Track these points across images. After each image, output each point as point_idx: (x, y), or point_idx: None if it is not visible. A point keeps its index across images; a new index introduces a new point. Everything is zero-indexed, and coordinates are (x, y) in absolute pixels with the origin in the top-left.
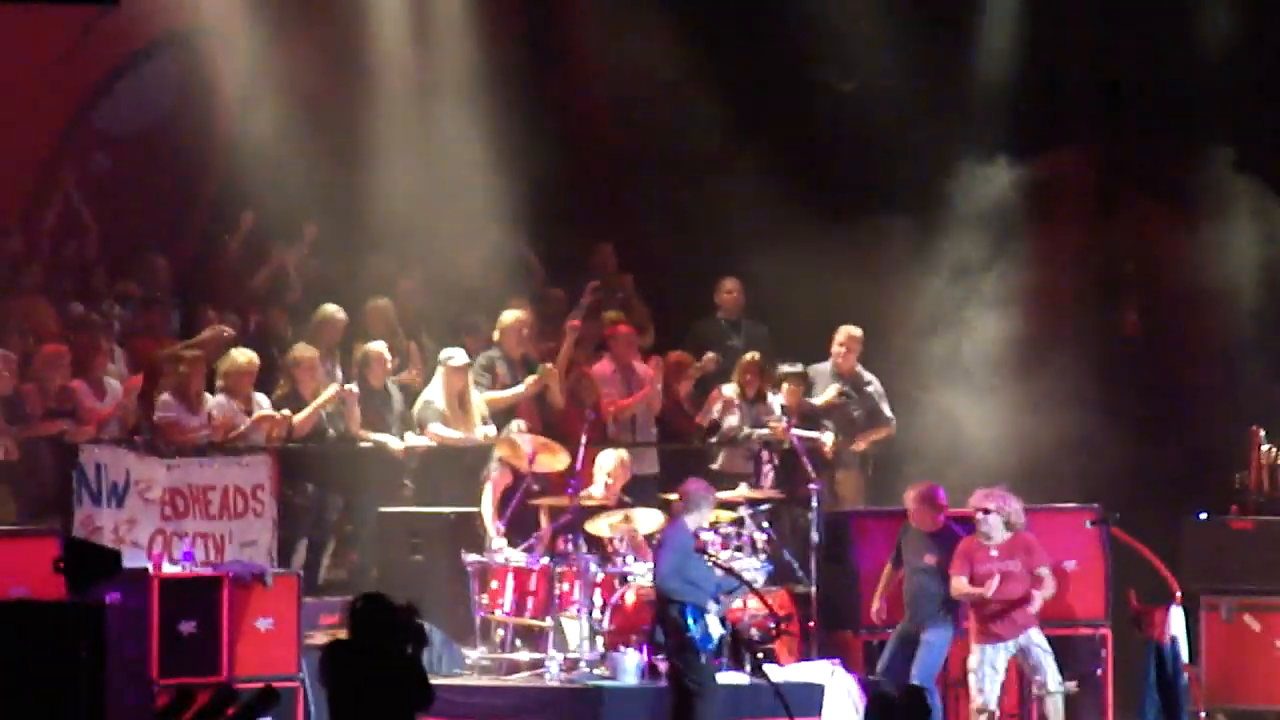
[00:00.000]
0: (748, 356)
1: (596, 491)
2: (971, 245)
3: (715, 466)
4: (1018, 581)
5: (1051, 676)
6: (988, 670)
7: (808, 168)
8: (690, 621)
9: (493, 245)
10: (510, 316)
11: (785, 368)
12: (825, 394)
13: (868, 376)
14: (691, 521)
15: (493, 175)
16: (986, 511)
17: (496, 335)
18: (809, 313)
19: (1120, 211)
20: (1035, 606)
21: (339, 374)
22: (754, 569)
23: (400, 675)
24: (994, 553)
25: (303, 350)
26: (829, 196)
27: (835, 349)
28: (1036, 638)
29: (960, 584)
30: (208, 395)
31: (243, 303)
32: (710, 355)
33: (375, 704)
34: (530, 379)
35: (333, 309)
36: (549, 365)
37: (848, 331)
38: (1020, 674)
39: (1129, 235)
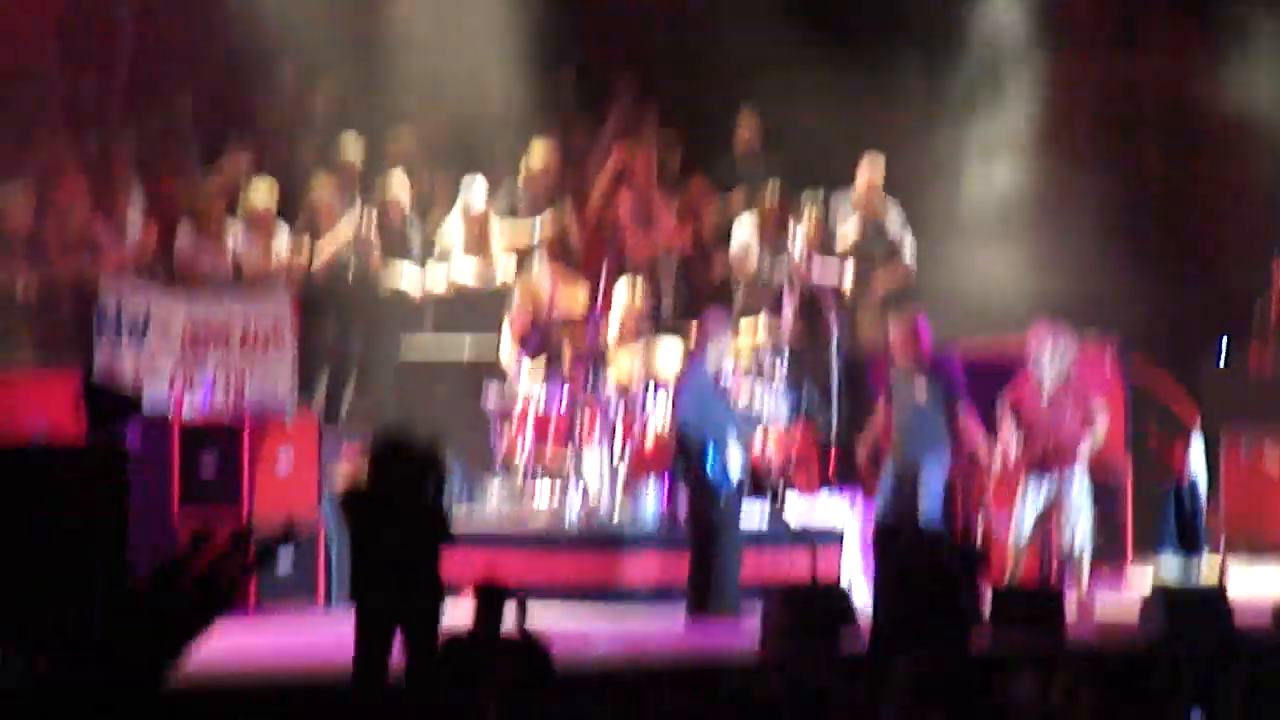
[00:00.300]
0: (767, 188)
1: (616, 328)
2: (985, 79)
3: (736, 301)
4: (1064, 420)
5: (1081, 533)
6: (1028, 503)
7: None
8: (709, 458)
9: (515, 76)
10: (537, 150)
11: (807, 196)
12: (847, 229)
13: (889, 211)
14: (711, 357)
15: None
16: (1043, 347)
17: (522, 169)
18: (828, 145)
19: (1140, 43)
20: (1088, 442)
21: (359, 205)
22: (774, 404)
23: (422, 514)
24: (1046, 388)
25: (322, 182)
26: (844, 27)
27: (857, 181)
28: (1077, 489)
29: (1003, 433)
30: (229, 226)
31: (264, 135)
32: (738, 193)
33: (397, 544)
34: (548, 216)
35: (352, 138)
36: (566, 205)
37: (869, 163)
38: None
39: (1149, 68)
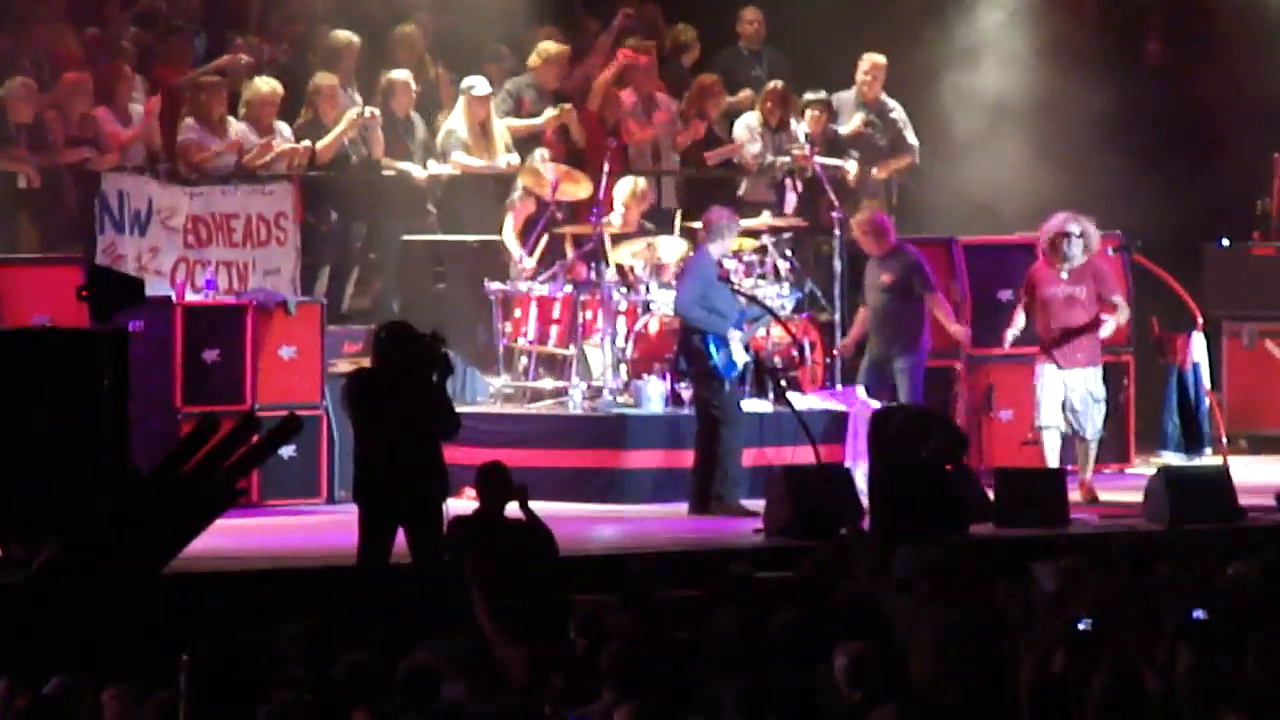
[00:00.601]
0: (770, 84)
1: (615, 220)
2: None
3: (739, 194)
4: (1083, 308)
5: (1091, 425)
6: (1044, 386)
7: None
8: (713, 349)
9: None
10: (551, 48)
11: (809, 95)
12: (851, 123)
13: (891, 104)
14: (715, 249)
15: None
16: (1068, 235)
17: (533, 62)
18: (832, 41)
19: None
20: (1107, 331)
21: (359, 100)
22: (778, 296)
23: (426, 403)
24: (1064, 276)
25: (323, 78)
26: None
27: (860, 77)
28: (1091, 381)
29: (1016, 322)
30: (231, 120)
31: (267, 30)
32: (746, 93)
33: (401, 432)
34: (550, 112)
35: (347, 34)
36: (567, 105)
37: (872, 59)
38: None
39: None
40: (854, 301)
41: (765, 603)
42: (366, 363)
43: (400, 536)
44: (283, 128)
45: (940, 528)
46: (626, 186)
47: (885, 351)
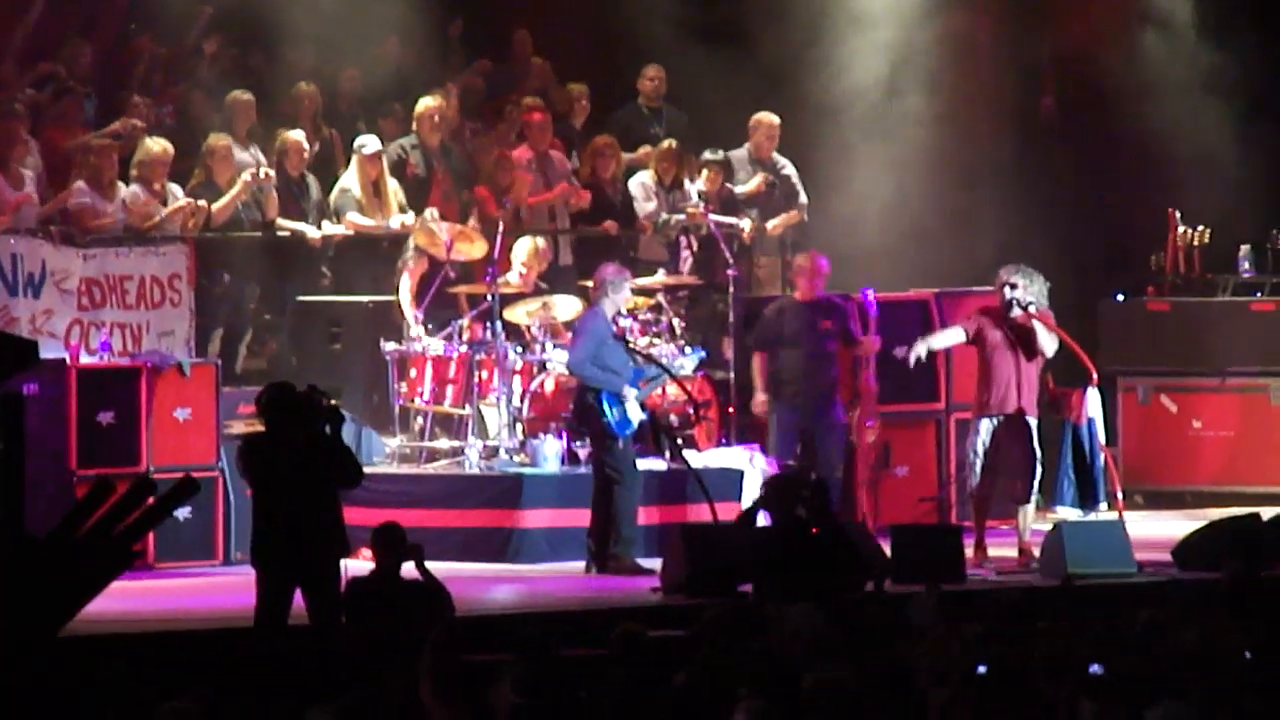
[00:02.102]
0: (664, 144)
1: (513, 279)
2: (885, 30)
3: (633, 254)
4: (1024, 364)
5: (1036, 479)
6: (979, 450)
7: None
8: (607, 408)
9: (410, 31)
10: (424, 104)
11: (707, 154)
12: (750, 182)
13: (782, 161)
14: (608, 307)
15: None
16: (1013, 286)
17: (417, 125)
18: (727, 101)
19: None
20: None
21: (262, 159)
22: (673, 355)
23: (321, 458)
24: (1005, 333)
25: (216, 138)
26: None
27: (755, 136)
28: (1036, 434)
29: (939, 337)
30: (121, 184)
31: (153, 91)
32: (645, 149)
33: (296, 493)
34: (442, 170)
35: (243, 93)
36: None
37: (763, 117)
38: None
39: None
40: (748, 359)
41: (661, 661)
42: (257, 424)
43: (299, 598)
44: (175, 189)
45: (838, 585)
46: (526, 246)
47: (813, 401)
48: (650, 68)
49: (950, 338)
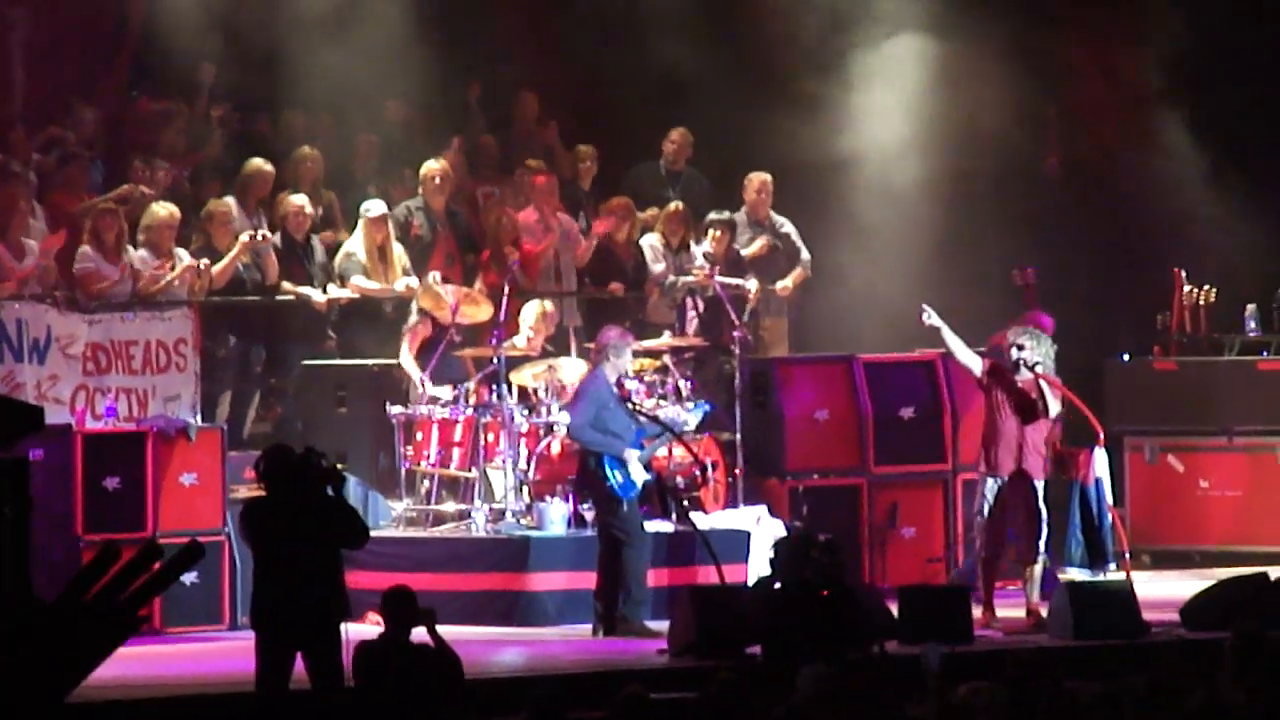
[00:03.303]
0: (671, 206)
1: (520, 342)
2: (892, 85)
3: (640, 315)
4: (1030, 426)
5: (1043, 538)
6: (985, 504)
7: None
8: (609, 471)
9: (418, 94)
10: (428, 167)
11: (713, 215)
12: (754, 245)
13: (780, 220)
14: (610, 370)
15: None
16: (1020, 348)
17: (423, 189)
18: (747, 164)
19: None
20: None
21: (260, 224)
22: (684, 414)
23: (321, 520)
24: (1013, 394)
25: (216, 203)
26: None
27: (749, 196)
28: (1042, 494)
29: (959, 345)
30: (129, 248)
31: (163, 158)
32: (652, 211)
33: (296, 555)
34: (448, 233)
35: (260, 162)
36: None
37: (759, 177)
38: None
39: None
40: (755, 420)
41: None
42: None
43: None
44: (181, 253)
45: (844, 646)
46: (534, 309)
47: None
48: (676, 131)
49: (966, 356)
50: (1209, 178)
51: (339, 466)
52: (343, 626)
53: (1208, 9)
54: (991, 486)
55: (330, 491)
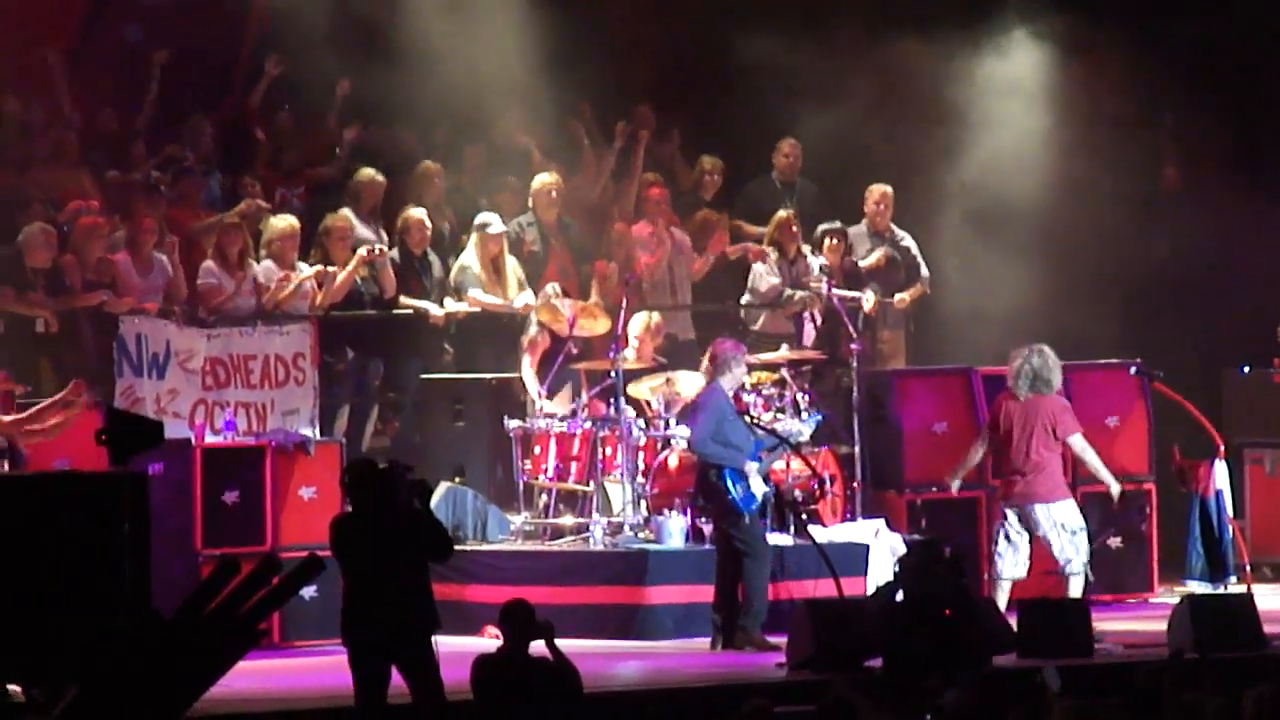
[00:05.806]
0: (779, 214)
1: (629, 355)
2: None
3: (756, 328)
4: (1031, 446)
5: (1063, 554)
6: (1000, 537)
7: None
8: (730, 484)
9: (536, 108)
10: (540, 180)
11: (824, 225)
12: (872, 256)
13: (900, 233)
14: (726, 383)
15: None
16: (1027, 366)
17: (536, 203)
18: (862, 175)
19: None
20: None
21: (384, 238)
22: (799, 425)
23: (406, 534)
24: (1018, 416)
25: (334, 217)
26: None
27: (869, 208)
28: (1055, 512)
29: (966, 463)
30: (252, 262)
31: (284, 172)
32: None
33: (381, 569)
34: (563, 247)
35: (371, 172)
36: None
37: (879, 189)
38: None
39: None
40: (873, 433)
41: None
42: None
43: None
44: (302, 266)
45: (965, 660)
46: (640, 321)
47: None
48: (785, 142)
49: (975, 456)
50: None
51: (458, 480)
52: (433, 639)
53: None
54: (1012, 515)
55: (416, 504)
